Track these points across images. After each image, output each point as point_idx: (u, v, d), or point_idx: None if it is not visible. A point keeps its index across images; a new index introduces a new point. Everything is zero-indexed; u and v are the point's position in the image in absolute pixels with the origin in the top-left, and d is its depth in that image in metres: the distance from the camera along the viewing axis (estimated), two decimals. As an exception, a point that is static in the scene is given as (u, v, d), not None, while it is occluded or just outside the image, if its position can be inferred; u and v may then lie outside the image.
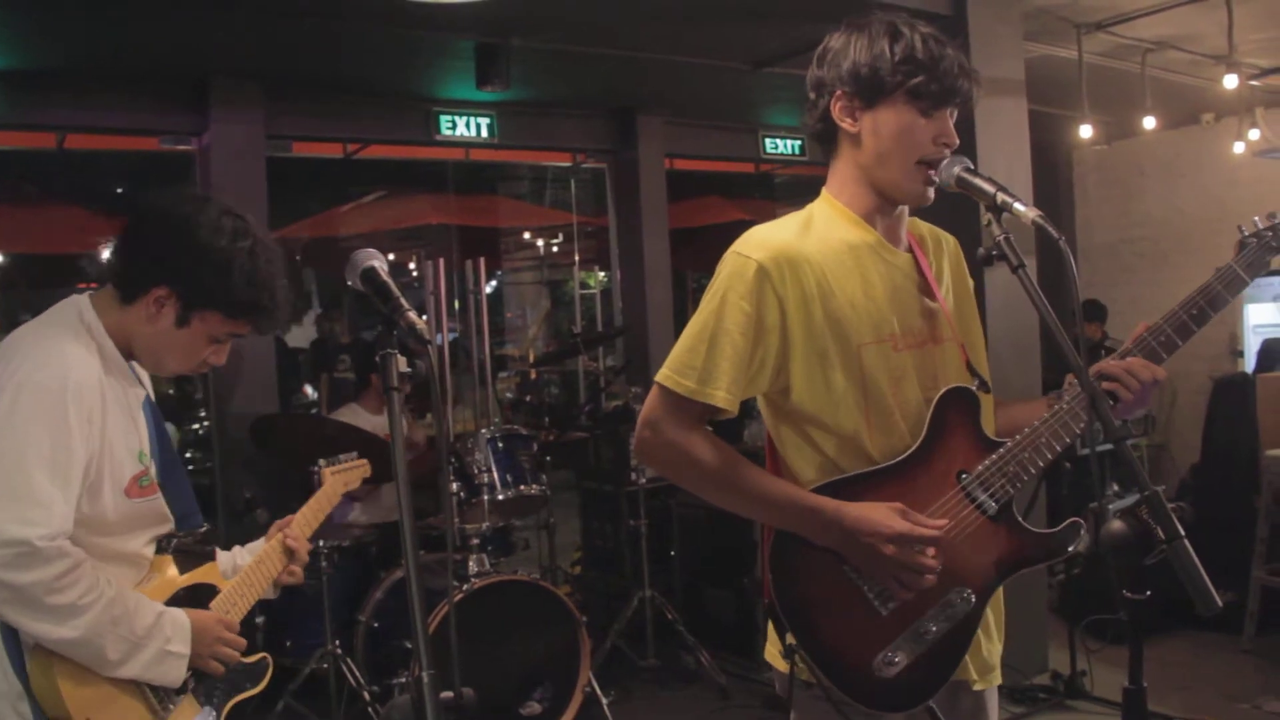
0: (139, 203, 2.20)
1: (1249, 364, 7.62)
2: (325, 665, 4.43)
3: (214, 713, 2.18)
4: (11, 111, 5.68)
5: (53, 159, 6.80)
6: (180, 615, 2.08)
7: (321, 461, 2.81)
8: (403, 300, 1.64)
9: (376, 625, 4.56)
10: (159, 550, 2.17)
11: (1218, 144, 8.02)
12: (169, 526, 2.18)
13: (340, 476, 2.78)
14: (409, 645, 4.20)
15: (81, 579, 1.89)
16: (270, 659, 2.33)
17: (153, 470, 2.13)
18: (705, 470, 1.94)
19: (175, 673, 2.04)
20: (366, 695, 4.40)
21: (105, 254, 2.19)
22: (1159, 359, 1.98)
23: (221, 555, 2.35)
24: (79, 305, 2.11)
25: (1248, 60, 6.48)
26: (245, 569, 2.32)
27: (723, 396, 1.90)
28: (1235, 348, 8.19)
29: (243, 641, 2.20)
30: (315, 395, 10.67)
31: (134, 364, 2.19)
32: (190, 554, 2.21)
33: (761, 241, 1.96)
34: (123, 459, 2.05)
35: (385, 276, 1.70)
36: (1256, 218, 2.05)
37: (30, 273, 8.55)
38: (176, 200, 2.14)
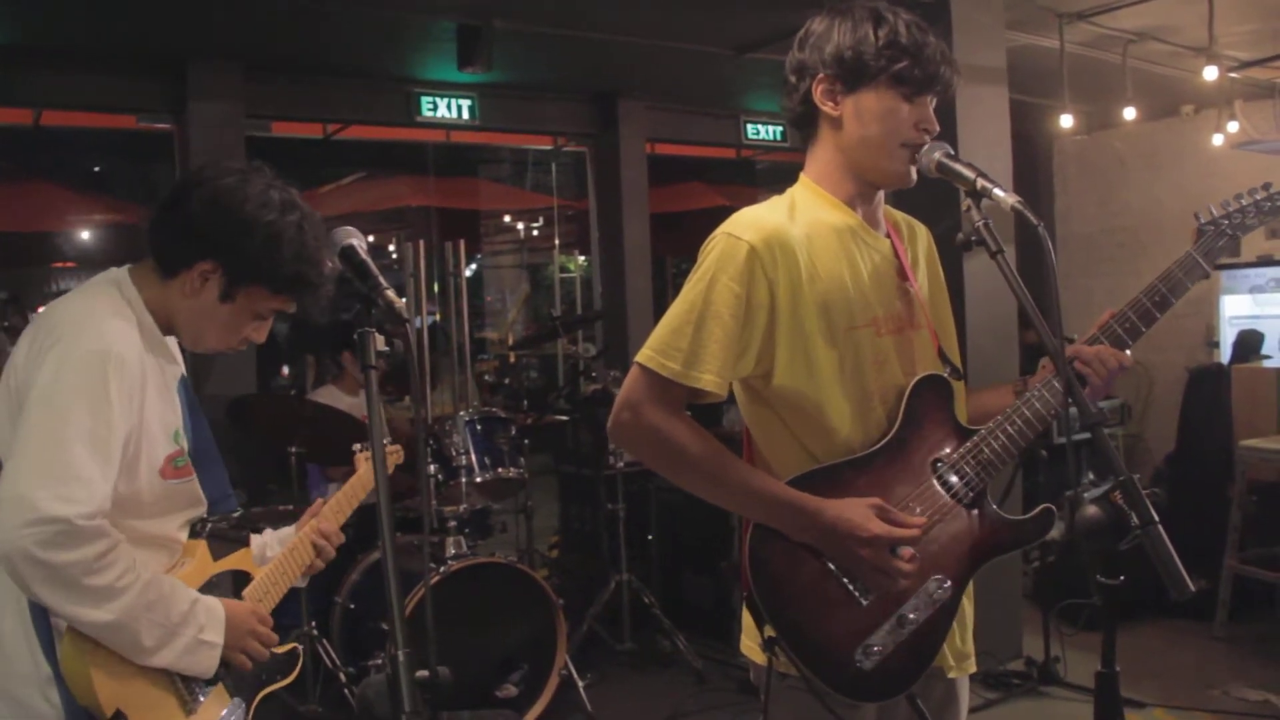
0: (181, 177, 2.12)
1: (1224, 355, 7.69)
2: (301, 646, 4.41)
3: (243, 704, 2.11)
4: (-13, 87, 5.63)
5: (28, 135, 6.74)
6: (215, 604, 2.01)
7: (357, 446, 2.73)
8: (381, 279, 1.63)
9: (353, 606, 4.55)
10: (192, 534, 2.11)
11: (1197, 136, 8.06)
12: (202, 510, 2.13)
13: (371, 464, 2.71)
14: (385, 626, 4.19)
15: (119, 560, 1.82)
16: (300, 650, 2.26)
17: (187, 450, 2.08)
18: (686, 457, 1.91)
19: (208, 662, 1.98)
20: (343, 676, 4.39)
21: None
22: (1124, 345, 1.99)
23: (254, 539, 2.29)
24: (118, 279, 2.05)
25: (1228, 52, 6.51)
26: (278, 558, 2.26)
27: (711, 380, 1.88)
28: (1211, 339, 8.26)
29: (274, 637, 2.13)
30: (289, 376, 10.65)
31: (170, 340, 2.13)
32: (224, 539, 2.15)
33: (752, 223, 1.94)
34: (158, 438, 2.00)
35: (364, 255, 1.68)
36: (1212, 206, 2.06)
37: (5, 250, 8.46)
38: (221, 171, 2.06)
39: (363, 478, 2.60)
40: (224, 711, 2.05)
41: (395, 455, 2.83)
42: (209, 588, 2.06)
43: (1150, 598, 5.35)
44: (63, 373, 1.84)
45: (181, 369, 2.14)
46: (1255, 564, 5.30)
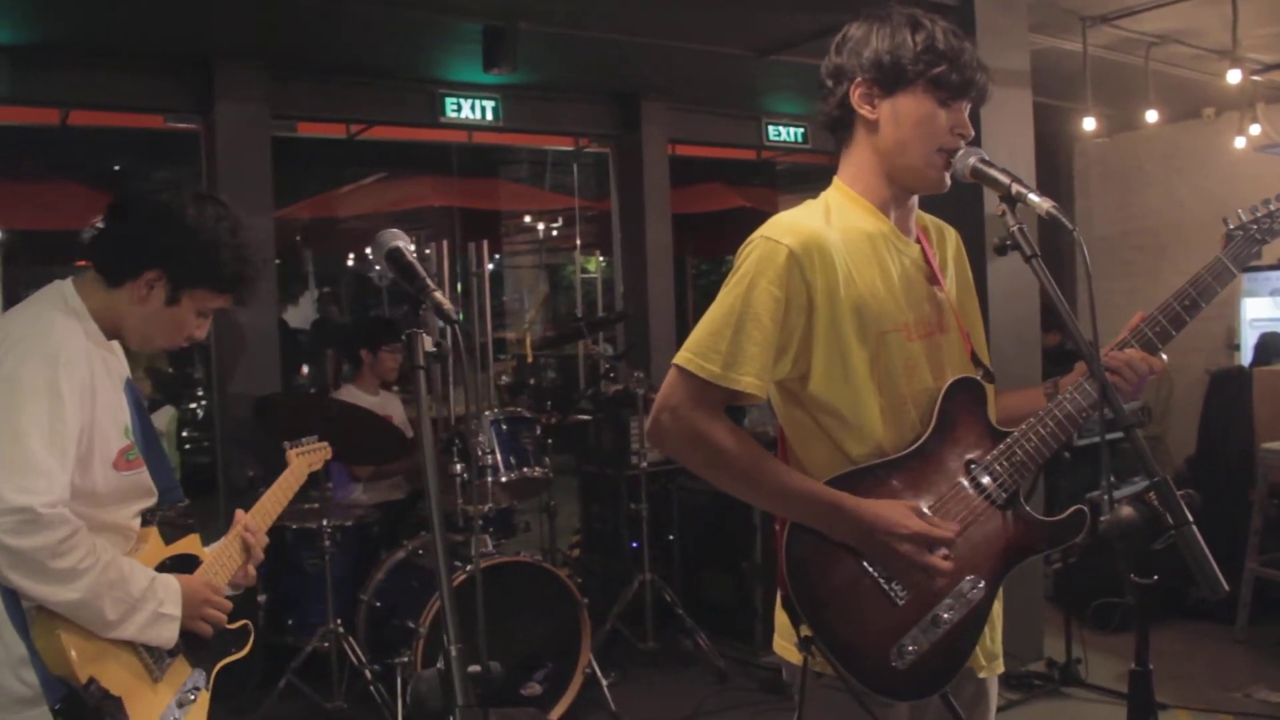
0: (118, 192, 2.33)
1: (1245, 358, 7.67)
2: (327, 644, 4.47)
3: (204, 674, 2.31)
4: (15, 86, 5.67)
5: (56, 135, 6.79)
6: (171, 580, 2.19)
7: (286, 444, 2.89)
8: (429, 279, 1.66)
9: (378, 604, 4.59)
10: (144, 523, 2.28)
11: (1219, 139, 8.05)
12: (153, 500, 2.29)
13: (305, 458, 2.87)
14: (411, 624, 4.23)
15: (81, 544, 1.97)
16: (251, 625, 2.44)
17: (136, 445, 2.23)
18: (726, 459, 1.93)
19: (168, 633, 2.15)
20: (368, 674, 4.43)
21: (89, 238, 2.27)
22: (1154, 349, 2.01)
23: None
24: (62, 290, 2.21)
25: (1251, 55, 6.51)
26: (217, 547, 2.42)
27: (751, 382, 1.90)
28: (1232, 341, 8.25)
29: (228, 604, 2.33)
30: (309, 375, 10.71)
31: (114, 344, 2.28)
32: (174, 526, 2.32)
33: (791, 227, 1.96)
34: (110, 433, 2.14)
35: (410, 256, 1.71)
36: (1241, 211, 2.08)
37: (32, 249, 8.54)
38: (156, 187, 2.25)
39: (295, 473, 2.79)
40: (187, 679, 2.25)
41: (323, 452, 2.98)
42: (162, 569, 2.23)
43: (1172, 600, 5.38)
44: (18, 376, 1.99)
45: (126, 371, 2.30)
46: (1276, 567, 5.30)
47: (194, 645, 2.26)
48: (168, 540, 2.30)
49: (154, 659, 2.16)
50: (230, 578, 2.41)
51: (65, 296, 2.19)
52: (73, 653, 1.99)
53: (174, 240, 2.20)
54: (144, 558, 2.21)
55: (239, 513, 2.51)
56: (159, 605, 2.12)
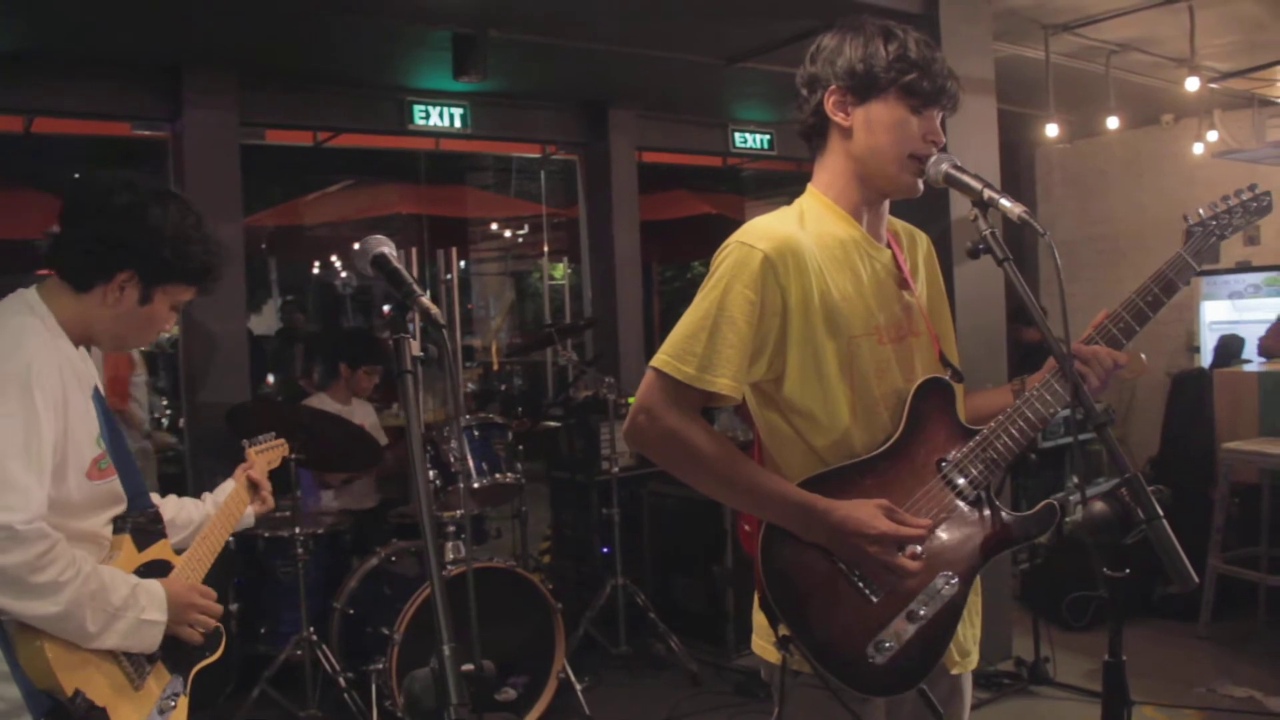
0: (69, 196, 2.28)
1: (1205, 360, 7.81)
2: (300, 652, 4.45)
3: (181, 679, 2.31)
4: (-21, 94, 5.63)
5: (19, 142, 6.73)
6: (155, 585, 2.19)
7: (245, 441, 2.90)
8: (415, 285, 1.68)
9: (352, 612, 4.58)
10: (116, 530, 2.27)
11: (1177, 144, 8.20)
12: (124, 507, 2.28)
13: (264, 456, 2.88)
14: (385, 631, 4.23)
15: (60, 557, 1.97)
16: (223, 629, 2.44)
17: (108, 453, 2.22)
18: (701, 459, 1.97)
19: (151, 639, 2.16)
20: (342, 681, 4.43)
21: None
22: (1119, 345, 2.06)
23: (187, 505, 2.56)
24: (27, 299, 2.19)
25: (1208, 64, 6.63)
26: (200, 535, 2.48)
27: (726, 384, 1.93)
28: (1192, 344, 8.39)
29: (218, 607, 2.34)
30: (275, 384, 10.64)
31: (82, 351, 2.27)
32: (145, 532, 2.31)
33: (766, 232, 1.99)
34: (83, 443, 2.13)
35: (396, 262, 1.73)
36: (1201, 208, 2.14)
37: (-3, 258, 8.44)
38: (110, 188, 2.22)
39: (260, 468, 2.80)
40: (166, 685, 2.26)
41: (280, 449, 2.99)
42: (139, 575, 2.23)
43: (1137, 598, 5.47)
44: None
45: (95, 379, 2.29)
46: (1238, 564, 5.40)
47: (171, 650, 2.26)
48: (140, 547, 2.29)
49: (134, 667, 2.16)
50: (236, 520, 2.53)
51: (31, 305, 2.17)
52: (57, 665, 1.99)
53: (143, 240, 2.19)
54: (119, 564, 2.21)
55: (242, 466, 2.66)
56: (141, 612, 2.12)
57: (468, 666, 1.37)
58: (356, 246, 1.78)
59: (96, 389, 2.27)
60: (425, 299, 1.65)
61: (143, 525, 2.32)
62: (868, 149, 2.03)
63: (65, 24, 5.18)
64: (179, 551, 2.42)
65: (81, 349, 2.26)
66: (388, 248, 1.74)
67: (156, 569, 2.30)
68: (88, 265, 2.19)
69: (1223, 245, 2.26)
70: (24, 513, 1.92)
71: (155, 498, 2.48)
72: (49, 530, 1.97)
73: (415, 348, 1.63)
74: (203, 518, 2.57)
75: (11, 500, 1.92)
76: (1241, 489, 5.56)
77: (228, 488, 2.66)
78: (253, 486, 2.70)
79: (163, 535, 2.38)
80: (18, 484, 1.93)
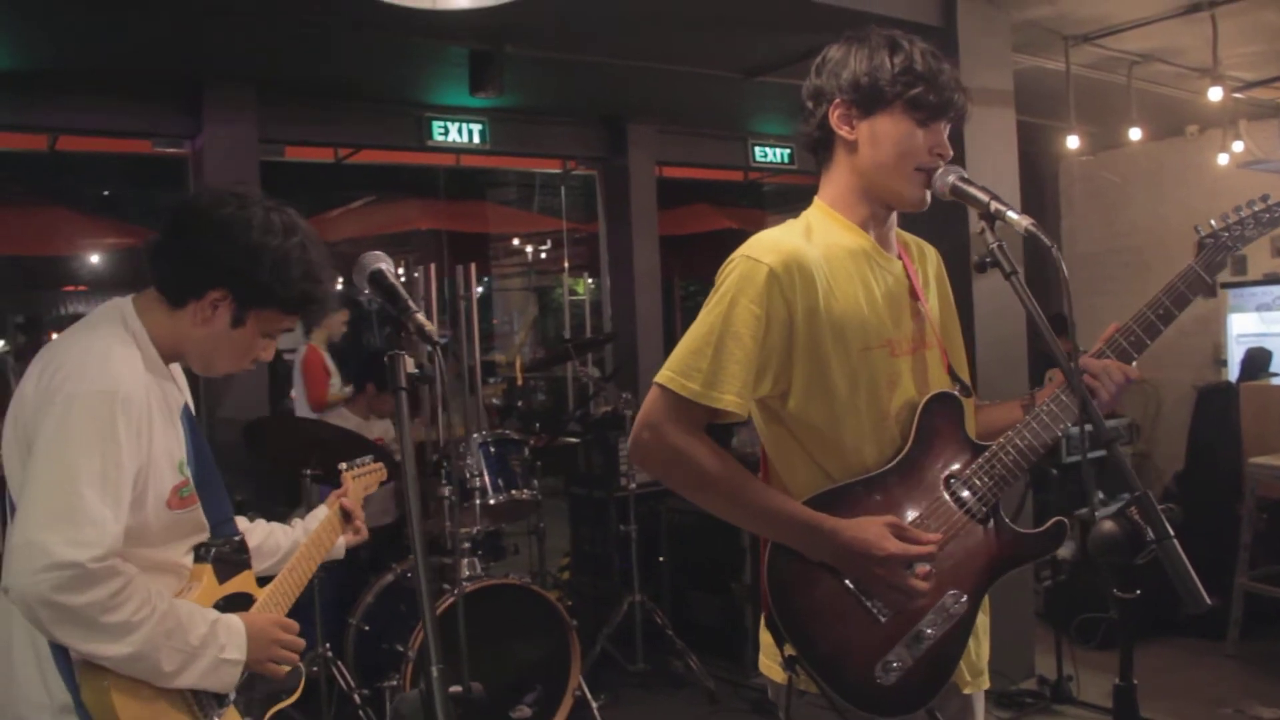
0: (179, 204, 2.15)
1: (1232, 373, 7.71)
2: (316, 668, 4.44)
3: None
4: (3, 112, 5.69)
5: (44, 161, 6.81)
6: (235, 621, 2.06)
7: (342, 465, 2.77)
8: (410, 302, 1.66)
9: (367, 628, 4.57)
10: (197, 559, 2.15)
11: (1202, 155, 8.11)
12: (206, 535, 2.16)
13: (360, 481, 2.77)
14: (400, 648, 4.22)
15: (134, 595, 1.86)
16: (302, 667, 2.28)
17: (191, 480, 2.11)
18: (705, 477, 1.93)
19: (230, 679, 2.02)
20: (357, 698, 4.42)
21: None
22: (1129, 358, 2.01)
23: (276, 531, 2.44)
24: (122, 311, 2.08)
25: (1232, 73, 6.56)
26: (284, 570, 2.33)
27: (732, 400, 1.89)
28: (1219, 357, 8.28)
29: (300, 641, 2.18)
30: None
31: (174, 367, 2.16)
32: (227, 562, 2.18)
33: (771, 246, 1.96)
34: (165, 471, 2.03)
35: (393, 278, 1.71)
36: (1213, 219, 2.10)
37: (20, 275, 8.53)
38: (219, 201, 2.10)
39: (356, 494, 2.69)
40: None
41: (378, 473, 2.87)
42: (218, 609, 2.10)
43: (1163, 616, 5.38)
44: (71, 415, 1.86)
45: (186, 397, 2.18)
46: (1266, 581, 5.31)
47: (245, 692, 2.11)
48: (222, 578, 2.16)
49: (203, 709, 2.02)
50: (326, 550, 2.41)
51: (125, 318, 2.06)
52: (120, 707, 1.87)
53: (240, 258, 2.04)
54: (198, 597, 2.08)
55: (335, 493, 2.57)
56: (220, 651, 1.99)
57: (456, 688, 1.34)
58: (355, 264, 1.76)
59: (186, 406, 2.17)
60: (420, 315, 1.64)
61: (225, 555, 2.18)
62: (873, 163, 2.00)
63: (89, 43, 5.24)
64: (264, 581, 2.28)
65: (174, 365, 2.16)
66: (385, 264, 1.72)
67: (238, 603, 2.17)
68: (181, 279, 2.07)
69: (1250, 258, 2.21)
70: (98, 548, 1.79)
71: (242, 522, 2.35)
72: (122, 567, 1.85)
73: (411, 364, 1.61)
74: (291, 545, 2.44)
75: (86, 535, 1.79)
76: (1269, 504, 5.47)
77: (320, 514, 2.53)
78: (346, 516, 2.56)
79: (247, 565, 2.24)
80: (93, 515, 1.81)
